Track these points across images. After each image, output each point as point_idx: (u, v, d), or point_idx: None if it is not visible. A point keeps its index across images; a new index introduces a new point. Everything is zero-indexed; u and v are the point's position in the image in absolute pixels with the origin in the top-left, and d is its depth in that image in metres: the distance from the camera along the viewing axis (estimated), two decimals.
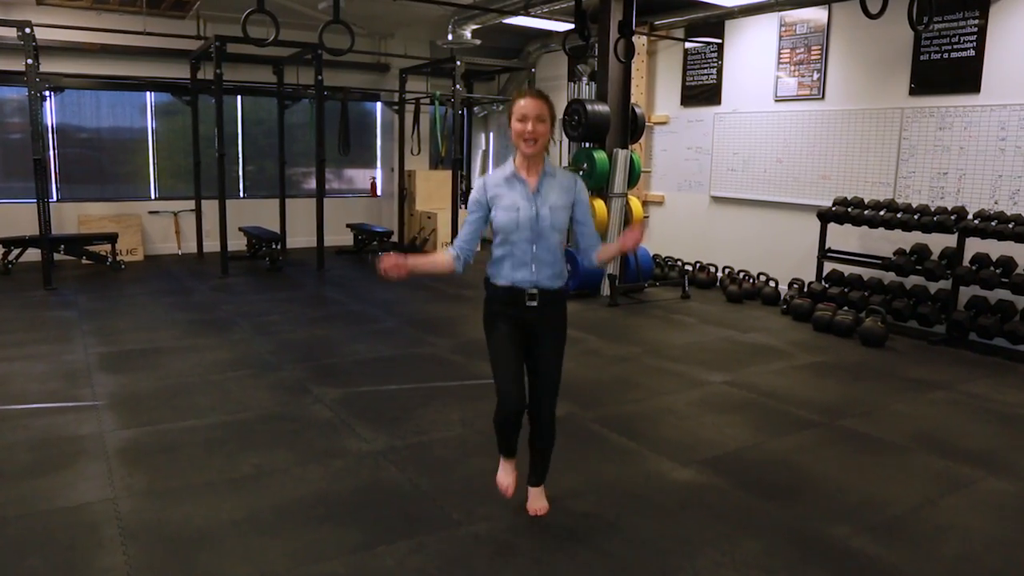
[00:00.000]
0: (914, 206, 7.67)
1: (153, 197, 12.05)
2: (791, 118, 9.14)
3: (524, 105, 3.30)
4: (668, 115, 10.92)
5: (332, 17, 7.18)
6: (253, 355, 6.46)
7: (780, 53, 9.25)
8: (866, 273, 8.24)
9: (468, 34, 10.94)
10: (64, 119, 11.38)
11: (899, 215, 7.64)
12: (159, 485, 3.97)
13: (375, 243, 12.28)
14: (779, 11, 8.89)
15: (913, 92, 7.95)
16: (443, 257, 3.47)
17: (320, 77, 10.50)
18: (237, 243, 11.52)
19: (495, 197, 3.39)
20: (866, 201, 8.09)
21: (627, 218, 9.20)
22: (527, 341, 3.46)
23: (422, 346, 6.88)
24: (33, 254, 10.40)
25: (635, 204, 9.41)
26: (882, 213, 7.78)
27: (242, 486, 3.98)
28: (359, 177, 14.06)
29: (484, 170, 14.22)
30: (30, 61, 8.53)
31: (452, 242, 3.53)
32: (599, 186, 9.14)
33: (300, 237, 12.70)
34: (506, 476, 3.73)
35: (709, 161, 10.30)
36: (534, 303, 3.39)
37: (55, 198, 11.24)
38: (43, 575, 3.14)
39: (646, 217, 10.79)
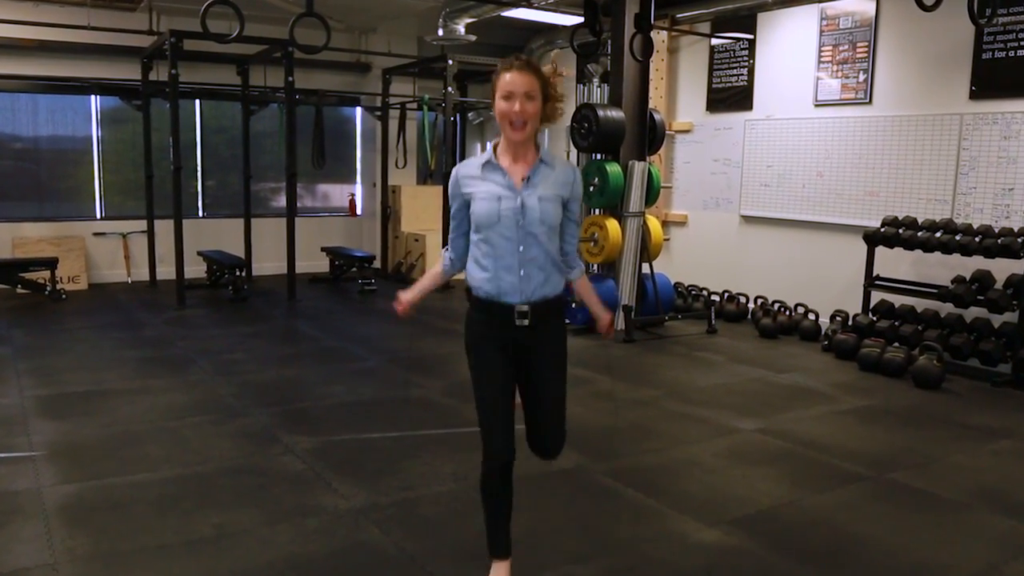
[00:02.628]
0: (975, 227, 7.73)
1: (99, 217, 12.15)
2: (833, 125, 9.24)
3: (510, 80, 3.15)
4: (692, 122, 11.04)
5: (305, 9, 7.26)
6: (214, 398, 6.50)
7: (821, 51, 9.38)
8: (920, 304, 8.28)
9: (461, 29, 11.01)
10: None
11: (958, 237, 7.69)
12: (105, 548, 4.00)
13: (354, 269, 12.35)
14: (820, 2, 9.02)
15: (974, 96, 8.05)
16: (437, 267, 3.55)
17: (291, 78, 10.62)
18: (195, 269, 11.60)
19: (469, 187, 3.29)
20: (920, 221, 8.16)
21: (644, 242, 9.28)
22: (520, 365, 3.37)
23: (409, 388, 6.93)
24: None
25: (654, 225, 9.49)
26: (938, 235, 7.84)
27: (201, 550, 4.01)
28: (336, 194, 14.18)
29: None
30: None
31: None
32: (612, 204, 9.23)
33: (268, 263, 12.79)
34: None
35: (739, 175, 10.41)
36: (525, 322, 3.27)
37: None
38: None
39: (666, 240, 10.86)
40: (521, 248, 3.23)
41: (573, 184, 3.34)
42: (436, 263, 3.55)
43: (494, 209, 3.20)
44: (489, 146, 3.32)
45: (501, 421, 3.30)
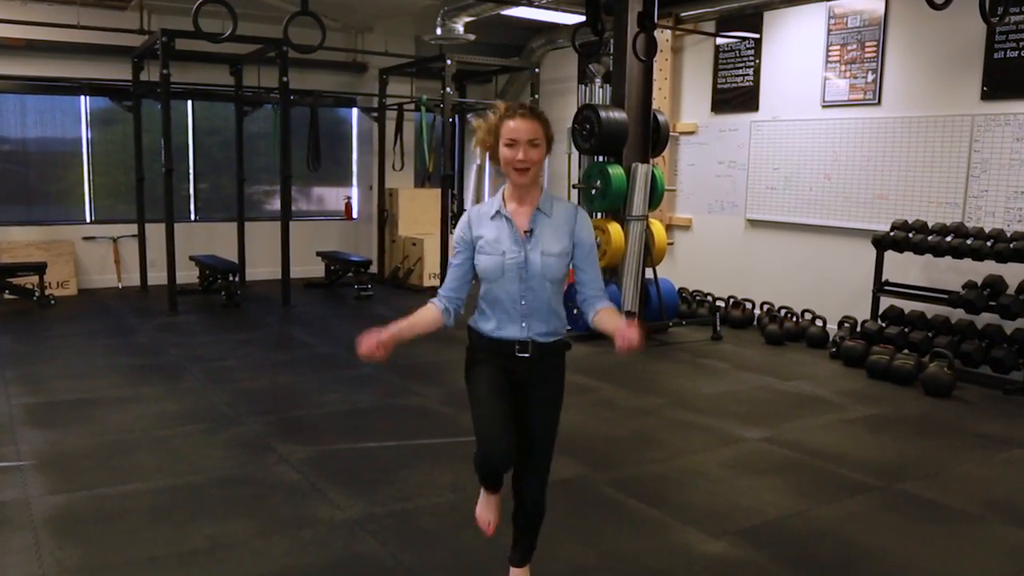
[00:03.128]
0: (987, 231, 7.76)
1: (88, 220, 12.16)
2: (841, 127, 9.27)
3: (514, 128, 3.23)
4: (696, 123, 11.07)
5: (300, 8, 7.29)
6: (206, 407, 6.52)
7: (829, 50, 9.40)
8: (930, 310, 8.30)
9: (460, 28, 11.04)
10: None
11: (969, 241, 7.72)
12: (95, 560, 4.01)
13: (350, 274, 12.36)
14: (828, 0, 9.03)
15: (986, 96, 8.08)
16: (429, 313, 3.45)
17: (285, 79, 10.65)
18: (187, 275, 11.60)
19: (479, 235, 3.35)
20: (930, 225, 8.19)
21: (648, 246, 9.30)
22: (516, 392, 3.39)
23: (406, 396, 6.95)
24: None
25: (657, 229, 9.51)
26: (949, 239, 7.87)
27: (193, 562, 4.02)
28: (331, 197, 14.21)
29: (479, 188, 14.32)
30: None
31: (438, 291, 3.49)
32: (615, 207, 9.25)
33: (262, 268, 12.79)
34: (488, 511, 3.60)
35: (744, 178, 10.43)
36: (526, 354, 3.34)
37: None
38: None
39: (670, 244, 10.88)
40: (523, 302, 3.31)
41: (576, 227, 3.36)
42: (426, 307, 3.46)
43: (499, 264, 3.29)
44: (498, 194, 3.39)
45: (502, 426, 3.30)
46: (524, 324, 3.32)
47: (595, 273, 3.41)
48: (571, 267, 3.41)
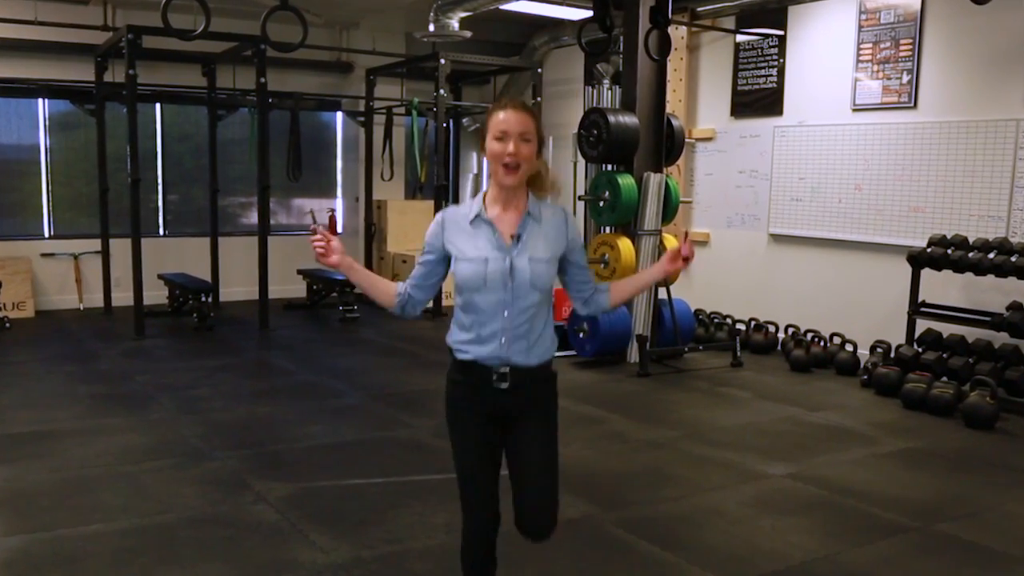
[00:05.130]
0: None
1: (47, 235, 12.21)
2: (873, 133, 9.31)
3: (504, 119, 3.25)
4: (714, 129, 11.13)
5: (278, 2, 7.33)
6: (176, 440, 6.54)
7: (860, 48, 9.45)
8: (971, 334, 8.31)
9: (455, 24, 11.05)
10: None
11: (1014, 259, 7.74)
12: None
13: (334, 294, 12.37)
14: None
15: None
16: (390, 286, 3.48)
17: (263, 79, 10.71)
18: (156, 295, 11.63)
19: (454, 242, 3.36)
20: (971, 240, 8.22)
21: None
22: (505, 433, 3.41)
23: (395, 428, 6.97)
24: None
25: (671, 245, 9.52)
26: (992, 256, 7.91)
27: None
28: (314, 209, 14.22)
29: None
30: None
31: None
32: (625, 221, 9.30)
33: (237, 287, 12.80)
34: None
35: (767, 189, 10.48)
36: (504, 384, 3.32)
37: None
38: None
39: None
40: (507, 314, 3.29)
41: (566, 231, 3.42)
42: (391, 283, 3.50)
43: (480, 272, 3.27)
44: (479, 196, 3.40)
45: (482, 493, 3.38)
46: (503, 339, 3.29)
47: (587, 266, 3.55)
48: (564, 273, 3.46)
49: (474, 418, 3.36)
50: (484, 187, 3.43)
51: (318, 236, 3.32)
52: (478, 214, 3.33)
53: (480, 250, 3.29)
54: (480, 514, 3.39)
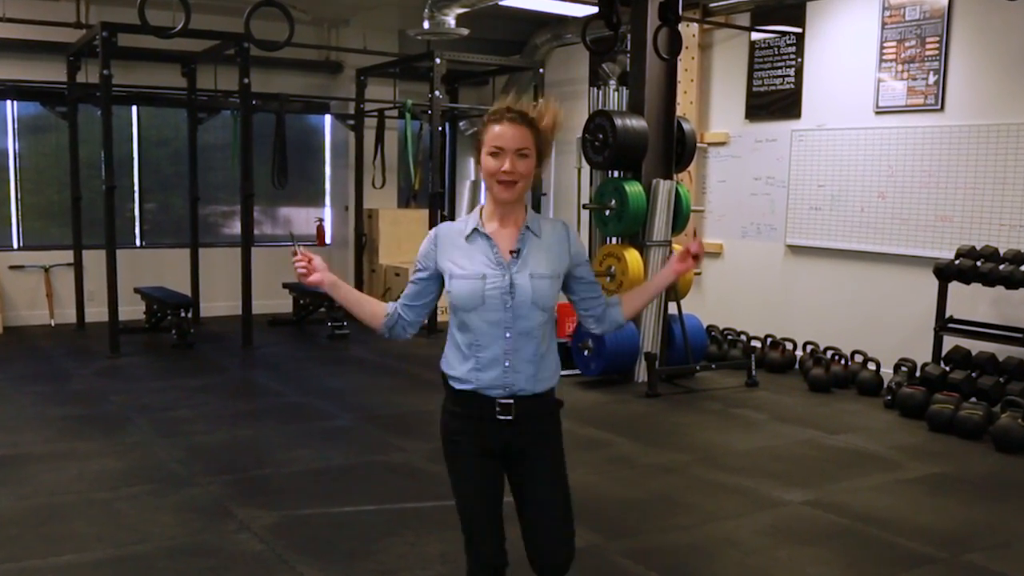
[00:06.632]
0: None
1: (15, 246, 12.24)
2: (898, 137, 9.34)
3: (500, 134, 3.25)
4: (728, 133, 11.17)
5: None
6: (154, 465, 6.56)
7: (883, 47, 9.49)
8: (1001, 351, 8.32)
9: (452, 21, 11.03)
10: None
11: None
12: None
13: (322, 309, 12.37)
14: None
15: None
16: (378, 306, 3.47)
17: (247, 80, 10.75)
18: (132, 310, 11.64)
19: (448, 259, 3.34)
20: (1002, 252, 8.24)
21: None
22: (509, 468, 3.41)
23: (388, 452, 6.99)
24: None
25: None
26: None
27: None
28: (301, 219, 14.28)
29: (474, 208, 14.29)
30: None
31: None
32: (632, 231, 9.31)
33: (219, 302, 12.82)
34: None
35: (784, 196, 10.50)
36: (508, 417, 3.29)
37: None
38: None
39: (697, 274, 10.90)
40: (508, 335, 3.27)
41: (569, 246, 3.42)
42: (379, 303, 3.50)
43: (478, 289, 3.26)
44: (475, 211, 3.42)
45: (485, 529, 3.38)
46: (507, 363, 3.27)
47: (597, 288, 3.53)
48: (571, 292, 3.47)
49: (475, 453, 3.35)
50: (482, 200, 3.42)
51: (299, 256, 3.32)
52: (475, 228, 3.34)
53: (477, 266, 3.28)
54: (485, 552, 3.38)
